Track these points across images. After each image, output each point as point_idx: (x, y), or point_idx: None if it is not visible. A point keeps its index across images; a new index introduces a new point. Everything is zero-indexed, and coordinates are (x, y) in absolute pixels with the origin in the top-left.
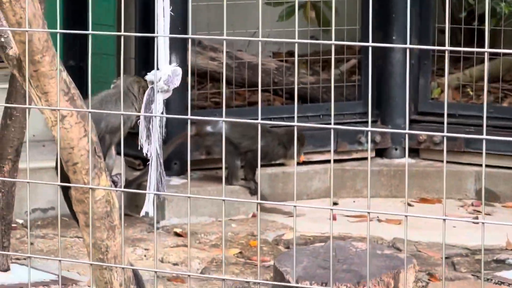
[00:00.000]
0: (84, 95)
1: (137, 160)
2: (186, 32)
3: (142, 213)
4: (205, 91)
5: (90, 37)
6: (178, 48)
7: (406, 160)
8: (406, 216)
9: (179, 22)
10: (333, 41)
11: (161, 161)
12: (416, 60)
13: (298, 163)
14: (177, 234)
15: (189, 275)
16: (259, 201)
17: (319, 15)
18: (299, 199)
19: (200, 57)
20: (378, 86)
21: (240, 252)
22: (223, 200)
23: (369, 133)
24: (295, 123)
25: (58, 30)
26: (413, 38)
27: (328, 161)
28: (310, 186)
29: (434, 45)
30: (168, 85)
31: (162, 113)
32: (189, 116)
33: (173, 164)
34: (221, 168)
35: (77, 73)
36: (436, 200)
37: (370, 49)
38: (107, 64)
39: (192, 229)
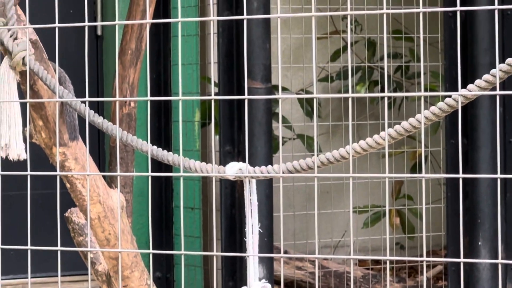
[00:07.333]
0: None
1: None
2: (272, 242)
3: None
4: None
5: (176, 256)
6: (266, 260)
7: None
8: None
9: (266, 234)
10: (424, 258)
11: None
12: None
13: None
14: None
15: None
16: None
17: (404, 222)
18: None
19: (286, 266)
20: None
21: None
22: None
23: None
24: None
25: (150, 251)
26: (500, 243)
27: None
28: None
29: None
30: None
31: None
32: None
33: None
34: None
35: (164, 286)
36: None
37: (462, 264)
38: (194, 274)
39: None
